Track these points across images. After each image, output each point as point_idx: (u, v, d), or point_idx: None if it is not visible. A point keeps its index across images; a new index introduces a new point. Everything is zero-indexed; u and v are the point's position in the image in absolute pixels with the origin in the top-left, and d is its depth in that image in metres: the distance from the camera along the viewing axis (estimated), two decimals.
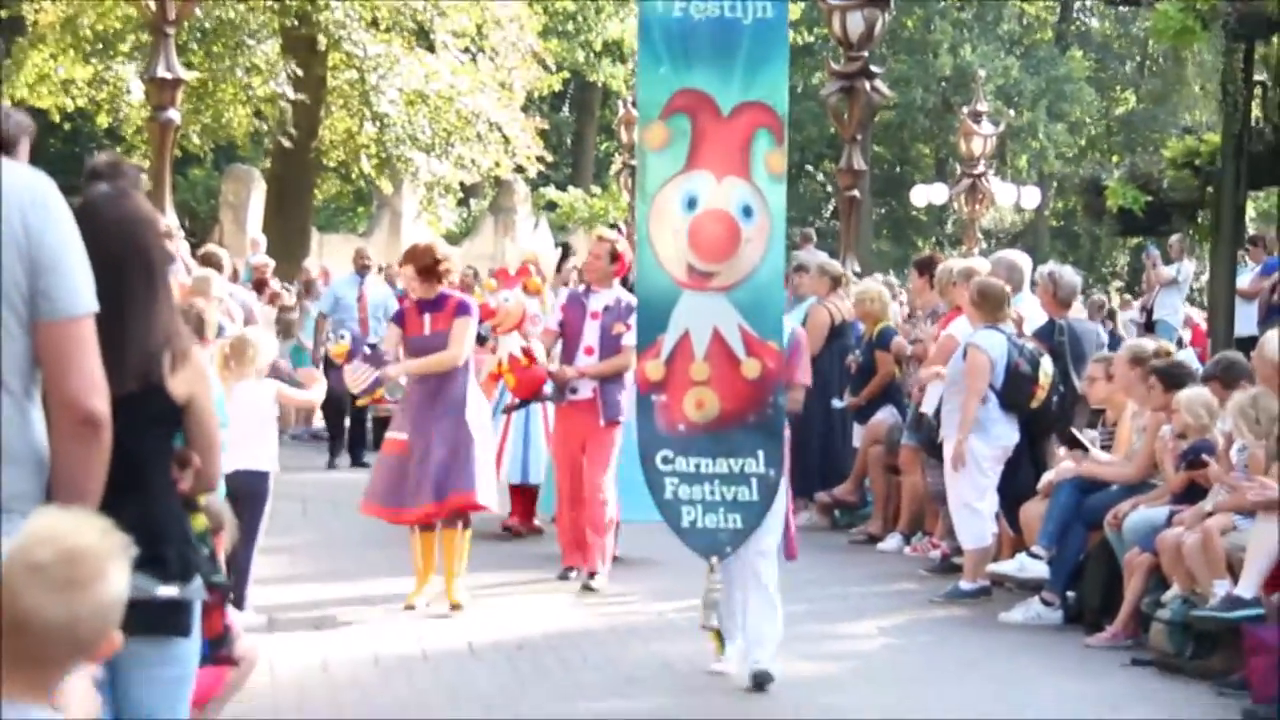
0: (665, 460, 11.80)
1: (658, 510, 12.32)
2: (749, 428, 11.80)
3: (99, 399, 5.84)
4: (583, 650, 14.63)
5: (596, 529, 16.78)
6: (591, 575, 16.80)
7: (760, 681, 11.97)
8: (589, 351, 16.46)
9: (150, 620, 6.83)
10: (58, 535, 4.66)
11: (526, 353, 17.31)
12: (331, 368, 26.88)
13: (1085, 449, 17.32)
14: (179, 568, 7.14)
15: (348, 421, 28.35)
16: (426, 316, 15.22)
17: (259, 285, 32.06)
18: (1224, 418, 15.36)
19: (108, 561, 4.64)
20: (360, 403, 22.82)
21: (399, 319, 16.37)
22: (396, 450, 15.02)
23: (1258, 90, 27.19)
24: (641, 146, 12.11)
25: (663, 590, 17.08)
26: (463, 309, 15.19)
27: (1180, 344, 28.95)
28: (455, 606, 14.79)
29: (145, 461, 7.02)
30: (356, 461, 27.85)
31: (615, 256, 17.07)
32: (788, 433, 13.05)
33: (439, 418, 14.90)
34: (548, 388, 16.83)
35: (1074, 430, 17.50)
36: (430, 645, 14.44)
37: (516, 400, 17.92)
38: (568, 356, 16.65)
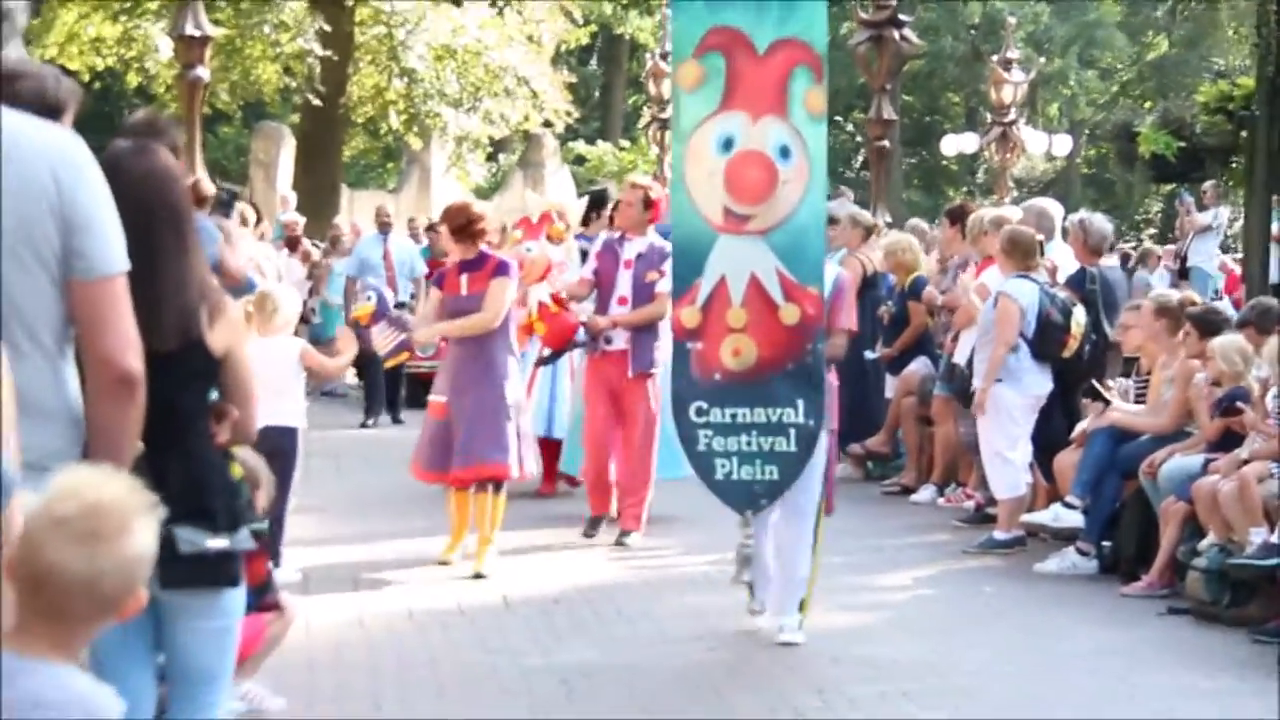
0: (699, 412, 11.66)
1: (690, 463, 12.19)
2: (788, 376, 11.62)
3: (134, 357, 5.87)
4: (617, 603, 14.67)
5: (632, 487, 16.72)
6: (625, 533, 16.76)
7: (782, 638, 11.97)
8: (623, 301, 16.28)
9: (203, 573, 7.14)
10: (82, 489, 4.66)
11: (556, 299, 17.25)
12: (360, 329, 27.01)
13: (1107, 401, 17.31)
14: (226, 519, 7.21)
15: (382, 379, 28.02)
16: (464, 277, 15.00)
17: (291, 243, 32.05)
18: (1259, 364, 15.33)
19: (133, 516, 4.64)
20: (388, 364, 22.77)
21: (439, 280, 16.13)
22: (438, 414, 14.92)
23: None
24: (675, 86, 11.98)
25: (696, 544, 17.13)
26: (501, 269, 14.96)
27: (1216, 293, 28.78)
28: (479, 575, 14.67)
29: (187, 416, 7.10)
30: (395, 419, 27.82)
31: (649, 203, 16.85)
32: (834, 380, 12.98)
33: (475, 382, 14.76)
34: (580, 336, 16.73)
35: (1095, 381, 17.46)
36: (465, 600, 14.49)
37: (548, 351, 17.80)
38: (601, 306, 16.51)
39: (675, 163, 11.83)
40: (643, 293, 16.27)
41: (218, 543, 7.12)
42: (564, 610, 14.47)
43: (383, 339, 16.78)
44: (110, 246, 5.77)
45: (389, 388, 28.25)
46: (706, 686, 11.96)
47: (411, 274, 30.06)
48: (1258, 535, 13.92)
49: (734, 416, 11.61)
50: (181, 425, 7.02)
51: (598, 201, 18.97)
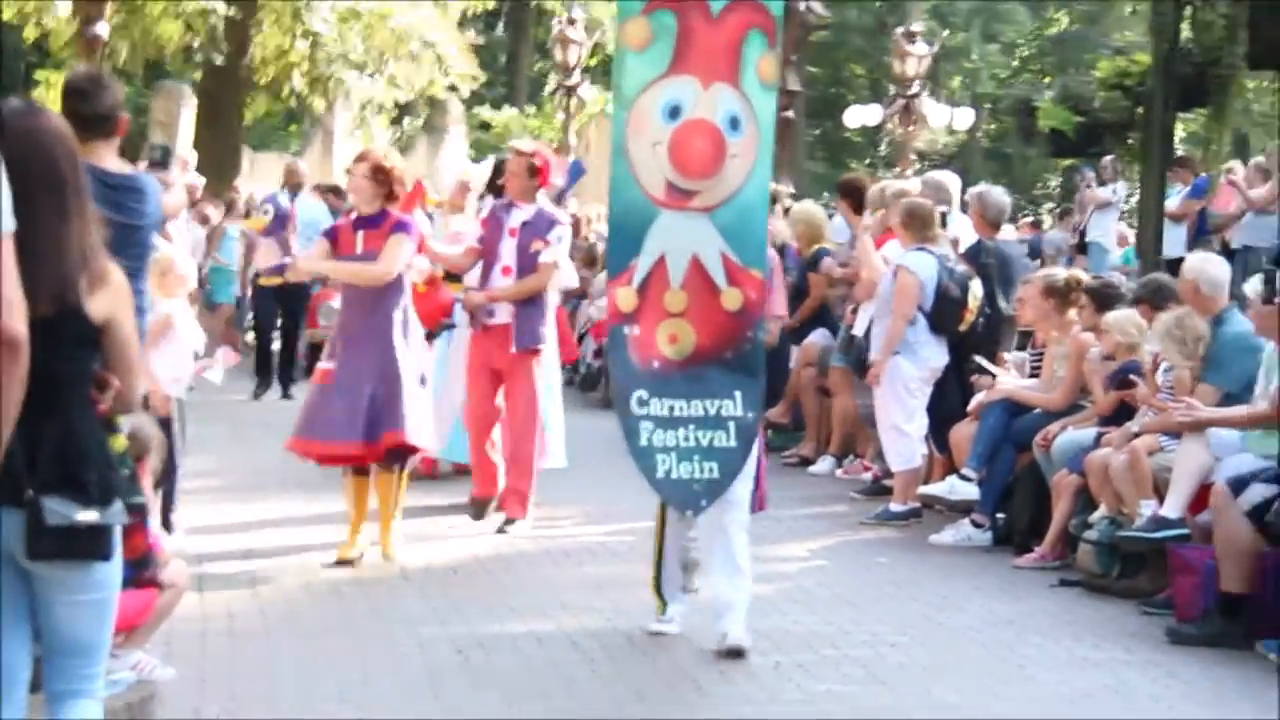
0: (640, 402, 11.26)
1: (632, 458, 11.59)
2: (727, 365, 11.28)
3: (18, 320, 5.94)
4: (516, 573, 14.75)
5: (515, 471, 16.51)
6: (510, 520, 16.46)
7: (728, 648, 11.32)
8: (506, 271, 16.03)
9: (72, 546, 7.11)
10: None
11: (429, 280, 17.06)
12: (260, 293, 26.80)
13: (993, 375, 17.61)
14: (99, 491, 7.19)
15: (275, 348, 27.95)
16: (360, 234, 14.60)
17: (190, 205, 31.86)
18: (1151, 339, 15.43)
19: None
20: (262, 282, 22.71)
21: (331, 235, 15.53)
22: (323, 380, 14.51)
23: (1187, 11, 27.28)
24: (621, 44, 11.45)
25: (595, 514, 17.32)
26: (400, 226, 14.51)
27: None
28: (387, 557, 14.41)
29: (64, 384, 7.10)
30: (285, 394, 27.40)
31: (534, 170, 16.59)
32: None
33: (368, 347, 14.32)
34: (455, 314, 16.65)
35: (980, 358, 17.66)
36: (362, 571, 14.52)
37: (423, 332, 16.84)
38: (484, 277, 16.31)
39: (616, 129, 11.38)
40: (527, 263, 16.02)
41: (88, 515, 7.12)
42: (461, 580, 14.56)
43: (266, 253, 16.86)
44: None
45: (282, 356, 27.99)
46: (604, 657, 11.89)
47: (317, 234, 29.18)
48: (1147, 508, 14.03)
49: (672, 409, 11.27)
50: (58, 393, 7.03)
51: (501, 170, 18.65)
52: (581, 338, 27.75)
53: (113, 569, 7.46)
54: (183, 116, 35.95)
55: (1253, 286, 15.34)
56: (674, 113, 10.83)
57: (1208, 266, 16.25)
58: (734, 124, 10.86)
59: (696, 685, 10.86)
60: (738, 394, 11.16)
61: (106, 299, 7.16)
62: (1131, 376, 15.53)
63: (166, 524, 12.38)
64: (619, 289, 11.19)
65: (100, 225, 7.34)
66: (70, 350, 7.11)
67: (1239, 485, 13.14)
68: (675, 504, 11.33)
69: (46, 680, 7.48)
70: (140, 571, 8.68)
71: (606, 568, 14.45)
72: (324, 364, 14.76)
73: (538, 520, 16.91)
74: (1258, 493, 12.98)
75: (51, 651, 7.42)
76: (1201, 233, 26.12)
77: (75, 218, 7.15)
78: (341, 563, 14.13)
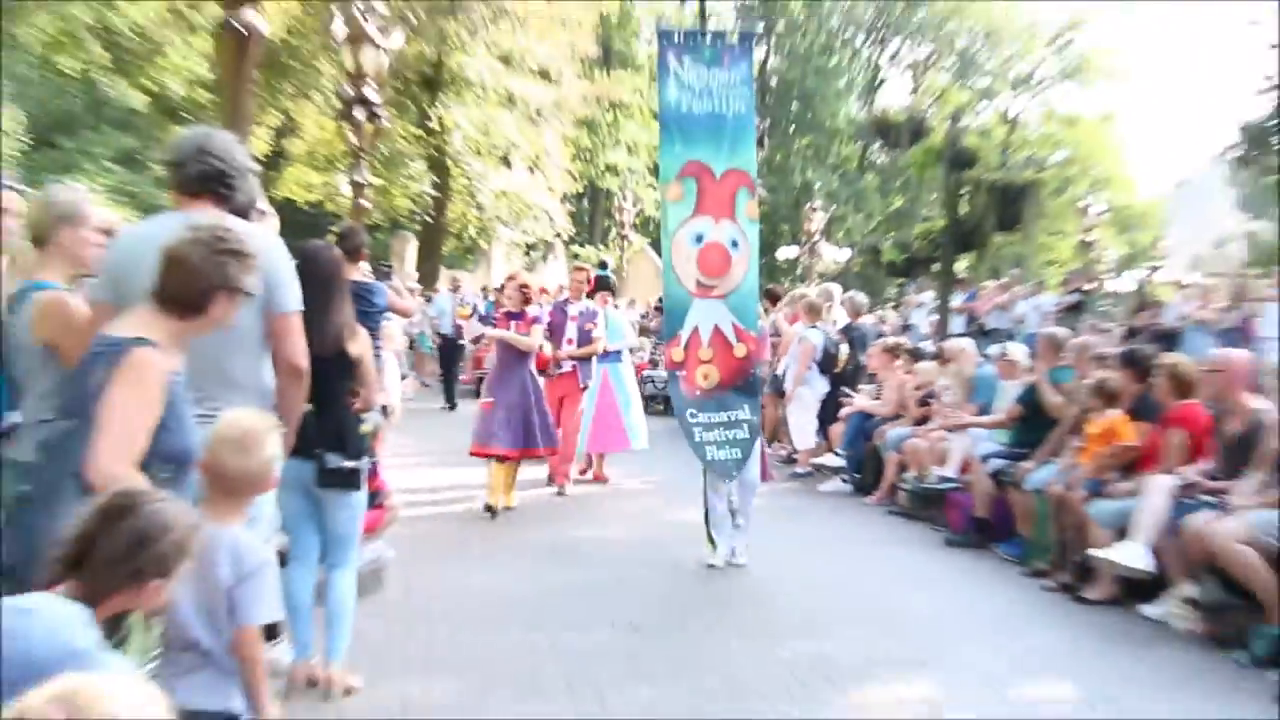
0: (691, 415, 11.31)
1: (691, 449, 11.54)
2: (738, 390, 11.38)
3: (302, 359, 6.07)
4: (597, 515, 14.88)
5: (566, 458, 16.18)
6: (562, 488, 16.13)
7: (733, 562, 11.52)
8: (569, 342, 15.98)
9: (341, 480, 7.46)
10: (239, 421, 4.94)
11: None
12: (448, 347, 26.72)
13: (853, 398, 17.92)
14: (354, 451, 7.52)
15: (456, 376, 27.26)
16: (512, 324, 14.58)
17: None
18: (942, 378, 15.62)
19: (266, 437, 4.92)
20: (473, 346, 23.17)
21: (491, 322, 15.98)
22: (485, 409, 14.35)
23: (964, 196, 27.67)
24: (664, 200, 11.58)
25: (663, 477, 17.32)
26: (535, 320, 14.71)
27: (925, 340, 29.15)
28: (509, 507, 14.33)
29: (336, 393, 7.41)
30: (451, 406, 26.11)
31: (587, 280, 16.76)
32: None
33: (510, 388, 14.29)
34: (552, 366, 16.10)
35: (845, 389, 18.04)
36: (485, 520, 14.34)
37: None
38: (555, 345, 15.98)
39: (665, 253, 11.45)
40: (583, 337, 16.04)
41: (349, 464, 7.45)
42: (561, 505, 14.67)
43: (470, 329, 17.88)
44: (290, 296, 5.96)
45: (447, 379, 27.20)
46: (653, 566, 12.00)
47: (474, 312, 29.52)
48: (938, 471, 14.13)
49: (710, 419, 11.34)
50: (333, 398, 7.34)
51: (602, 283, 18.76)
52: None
53: (361, 495, 7.75)
54: (408, 250, 35.95)
55: (996, 351, 15.69)
56: (699, 239, 11.06)
57: (967, 342, 16.67)
58: (734, 244, 11.12)
59: (757, 636, 10.41)
60: (746, 407, 11.32)
61: (357, 346, 7.52)
62: (930, 399, 15.67)
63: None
64: (672, 348, 11.38)
65: (352, 307, 7.66)
66: (339, 374, 7.40)
67: (985, 458, 13.24)
68: (719, 474, 11.37)
69: (325, 557, 7.70)
70: (375, 499, 8.94)
71: (659, 508, 14.43)
72: (485, 398, 14.60)
73: (618, 478, 17.06)
74: (993, 464, 13.09)
75: (329, 540, 7.66)
76: (970, 321, 26.14)
77: (342, 303, 7.51)
78: (488, 508, 13.97)
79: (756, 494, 12.09)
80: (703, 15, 13.04)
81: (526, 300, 14.91)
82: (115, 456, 4.34)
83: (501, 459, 14.11)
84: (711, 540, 11.71)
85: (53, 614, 3.29)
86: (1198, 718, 7.92)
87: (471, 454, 14.35)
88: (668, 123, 11.28)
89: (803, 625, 9.79)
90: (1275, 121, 47.43)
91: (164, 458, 4.51)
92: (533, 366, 14.65)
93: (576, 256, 54.36)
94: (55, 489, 4.49)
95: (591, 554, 12.26)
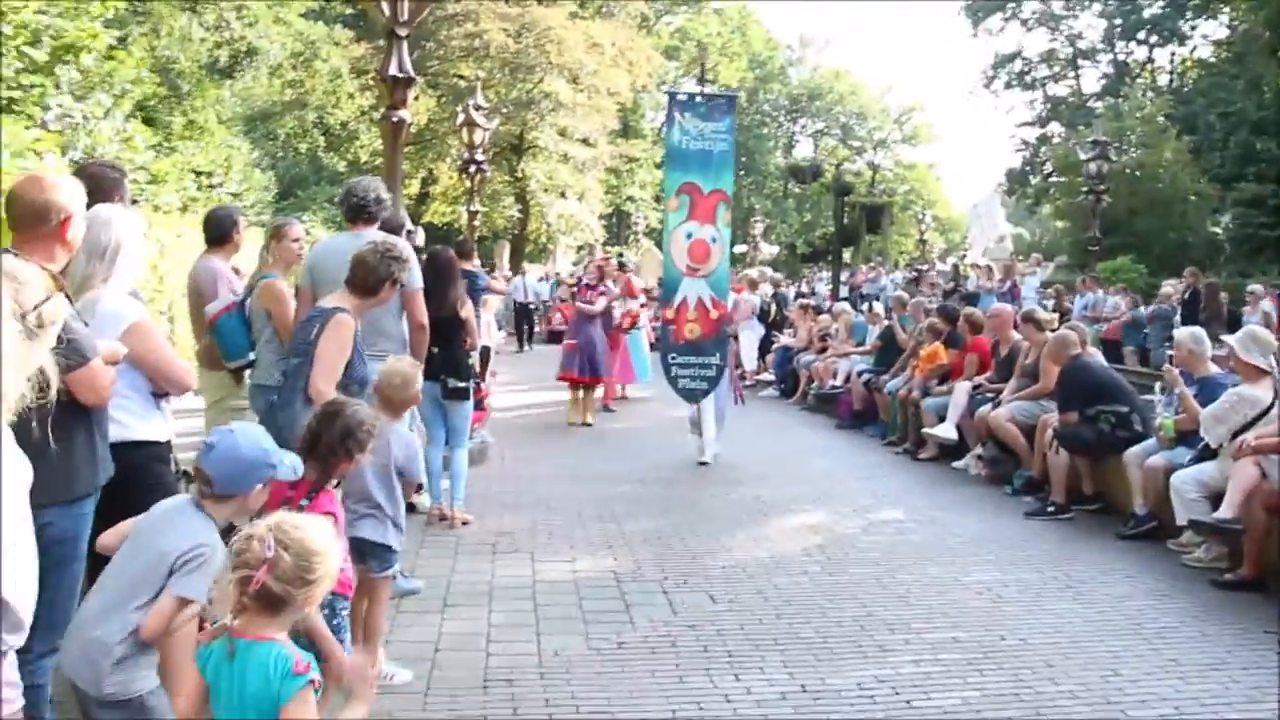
0: (672, 357, 10.68)
1: (668, 382, 10.93)
2: (713, 342, 10.65)
3: (424, 318, 5.92)
4: (627, 434, 13.78)
5: (610, 387, 14.43)
6: (607, 405, 14.25)
7: (702, 462, 10.56)
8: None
9: (458, 393, 7.45)
10: (398, 365, 4.85)
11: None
12: (522, 311, 25.91)
13: (779, 338, 17.27)
14: (465, 374, 7.50)
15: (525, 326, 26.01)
16: (589, 292, 13.48)
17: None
18: (834, 324, 15.36)
19: (414, 373, 4.83)
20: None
21: (580, 291, 14.08)
22: (568, 349, 13.21)
23: (846, 212, 26.93)
24: (666, 209, 11.06)
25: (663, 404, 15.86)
26: (602, 293, 13.48)
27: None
28: (588, 423, 12.88)
29: (452, 339, 7.34)
30: (524, 348, 24.58)
31: (622, 268, 15.70)
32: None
33: (584, 336, 13.06)
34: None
35: (775, 334, 17.61)
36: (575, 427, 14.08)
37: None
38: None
39: (665, 244, 10.90)
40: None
41: (462, 383, 7.44)
42: (601, 414, 14.09)
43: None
44: (415, 278, 5.81)
45: (527, 332, 25.72)
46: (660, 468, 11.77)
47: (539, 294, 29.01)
48: (831, 382, 13.98)
49: (688, 360, 10.68)
50: (451, 341, 7.25)
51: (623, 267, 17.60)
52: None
53: (470, 403, 7.73)
54: (504, 252, 35.39)
55: (865, 307, 15.44)
56: (689, 236, 10.52)
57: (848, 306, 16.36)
58: (714, 240, 10.55)
59: (764, 520, 10.27)
60: (717, 354, 10.67)
61: (466, 310, 7.53)
62: (827, 337, 15.42)
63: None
64: (667, 310, 10.86)
65: (464, 286, 7.52)
66: (454, 328, 7.36)
67: (860, 373, 13.11)
68: (687, 399, 10.75)
69: (448, 440, 7.67)
70: (480, 404, 8.80)
71: (675, 434, 12.88)
72: (568, 339, 13.55)
73: (632, 404, 15.02)
74: (865, 377, 12.95)
75: (450, 430, 7.60)
76: (851, 289, 25.91)
77: (455, 284, 7.49)
78: (571, 423, 12.93)
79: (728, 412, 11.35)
80: (702, 81, 12.85)
81: (602, 276, 14.13)
82: (324, 380, 4.53)
83: (575, 384, 13.16)
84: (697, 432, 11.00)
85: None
86: (980, 525, 8.12)
87: (558, 379, 13.47)
88: (672, 156, 10.88)
89: (748, 478, 9.77)
90: (1026, 168, 47.39)
91: (350, 379, 4.65)
92: (600, 323, 13.44)
93: (621, 256, 54.22)
94: (291, 400, 4.71)
95: (619, 441, 12.10)
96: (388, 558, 4.60)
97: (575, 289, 14.85)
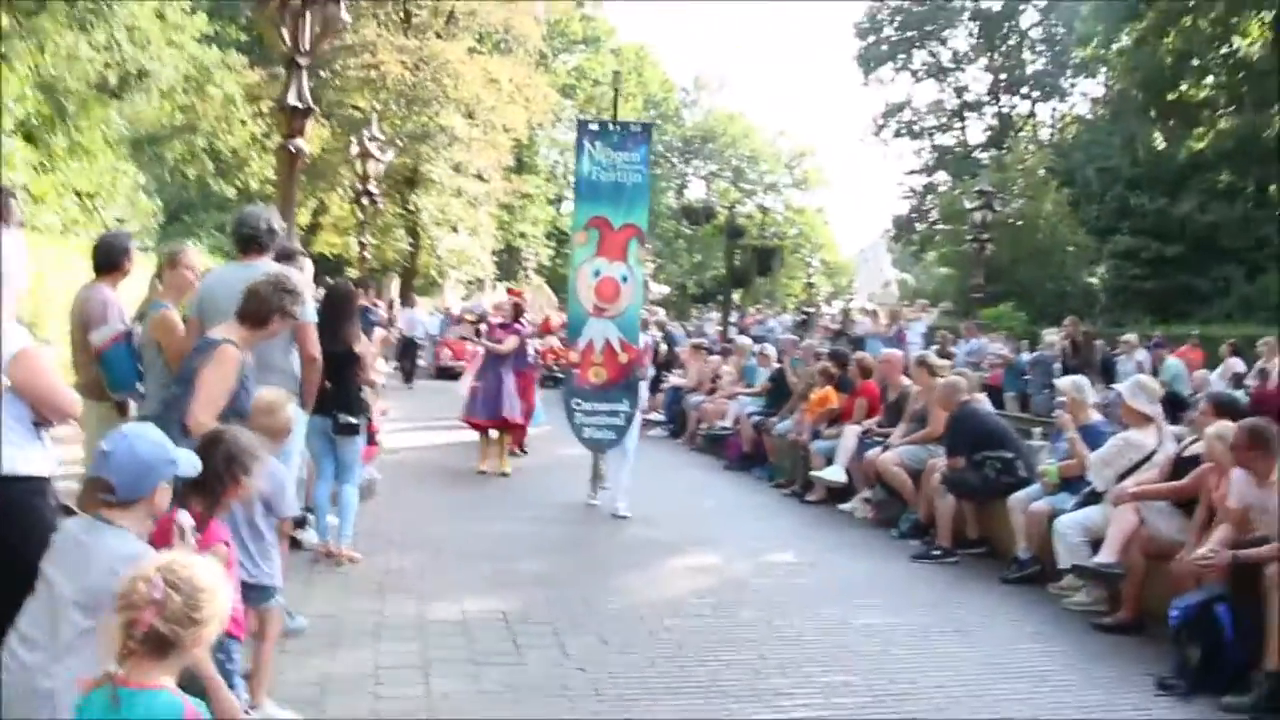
0: (576, 404, 10.11)
1: (571, 430, 10.33)
2: (620, 387, 10.10)
3: (316, 351, 5.83)
4: (532, 478, 12.77)
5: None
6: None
7: (617, 515, 9.81)
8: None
9: (349, 428, 7.30)
10: (263, 393, 4.79)
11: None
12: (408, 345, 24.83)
13: (669, 379, 17.29)
14: (356, 410, 7.35)
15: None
16: (499, 332, 12.22)
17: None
18: (725, 366, 15.48)
19: (287, 405, 4.87)
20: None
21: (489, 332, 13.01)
22: (471, 393, 12.05)
23: (737, 254, 27.22)
24: (573, 244, 10.44)
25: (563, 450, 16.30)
26: (515, 331, 12.23)
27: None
28: (504, 474, 11.79)
29: (346, 375, 7.19)
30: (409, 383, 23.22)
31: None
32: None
33: (492, 376, 11.88)
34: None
35: (662, 373, 17.43)
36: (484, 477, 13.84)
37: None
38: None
39: (570, 281, 10.36)
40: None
41: (354, 420, 7.31)
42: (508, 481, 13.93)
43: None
44: (308, 311, 5.70)
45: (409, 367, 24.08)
46: (560, 508, 11.63)
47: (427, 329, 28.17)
48: (720, 423, 14.08)
49: (594, 407, 10.11)
50: (344, 376, 7.08)
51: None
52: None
53: (361, 439, 7.55)
54: (393, 285, 34.79)
55: (757, 349, 15.62)
56: (597, 273, 10.00)
57: (745, 341, 16.44)
58: (624, 279, 10.03)
59: (655, 561, 10.01)
60: (625, 401, 10.12)
61: (361, 345, 7.40)
62: (717, 378, 15.54)
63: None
64: (572, 352, 10.27)
65: (359, 321, 7.41)
66: (348, 363, 7.24)
67: (750, 415, 13.21)
68: (593, 449, 10.28)
69: (337, 476, 7.49)
70: (370, 439, 8.56)
71: (568, 474, 12.95)
72: (472, 382, 12.30)
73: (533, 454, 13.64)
74: (754, 418, 13.05)
75: (340, 466, 7.41)
76: (741, 331, 26.07)
77: (353, 319, 7.45)
78: (479, 472, 11.88)
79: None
80: (615, 108, 11.99)
81: (519, 312, 13.08)
82: (204, 411, 4.41)
83: (482, 429, 12.25)
84: (593, 485, 10.59)
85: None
86: (868, 568, 8.24)
87: (462, 420, 12.56)
88: (580, 188, 10.35)
89: (638, 519, 9.69)
90: (913, 215, 48.45)
91: (237, 413, 4.52)
92: (510, 363, 12.27)
93: (503, 288, 53.98)
94: (167, 430, 4.34)
95: (508, 480, 11.83)
96: (262, 594, 4.49)
97: (479, 327, 13.78)
